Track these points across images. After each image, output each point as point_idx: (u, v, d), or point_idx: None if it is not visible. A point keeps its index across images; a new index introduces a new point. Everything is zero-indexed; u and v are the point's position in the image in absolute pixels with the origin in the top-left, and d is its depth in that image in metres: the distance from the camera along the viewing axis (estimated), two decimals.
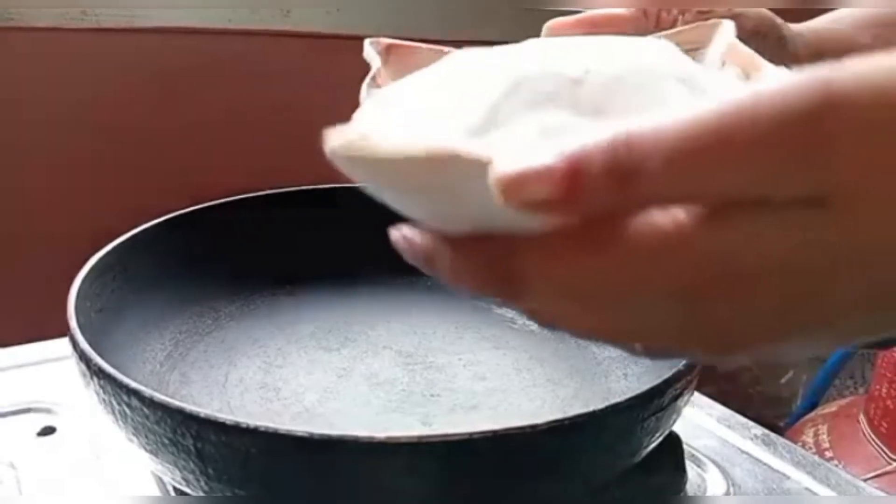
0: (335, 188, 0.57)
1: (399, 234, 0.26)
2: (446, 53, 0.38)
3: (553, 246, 0.23)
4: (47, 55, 0.80)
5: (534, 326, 0.55)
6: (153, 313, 0.50)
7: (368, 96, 0.34)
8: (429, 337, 0.54)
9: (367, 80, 0.37)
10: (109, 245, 0.48)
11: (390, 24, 0.95)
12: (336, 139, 0.24)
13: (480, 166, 0.22)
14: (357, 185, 0.30)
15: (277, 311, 0.54)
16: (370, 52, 0.38)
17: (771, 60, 0.36)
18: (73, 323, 0.40)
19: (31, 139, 0.81)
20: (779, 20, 0.44)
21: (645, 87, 0.27)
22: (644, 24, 0.41)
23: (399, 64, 0.39)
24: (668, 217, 0.22)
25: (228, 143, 0.90)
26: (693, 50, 0.36)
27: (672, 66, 0.28)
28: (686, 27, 0.38)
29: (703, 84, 0.28)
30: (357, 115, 0.30)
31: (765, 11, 0.43)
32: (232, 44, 0.87)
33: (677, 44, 0.34)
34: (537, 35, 0.40)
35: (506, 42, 0.37)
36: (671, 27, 0.41)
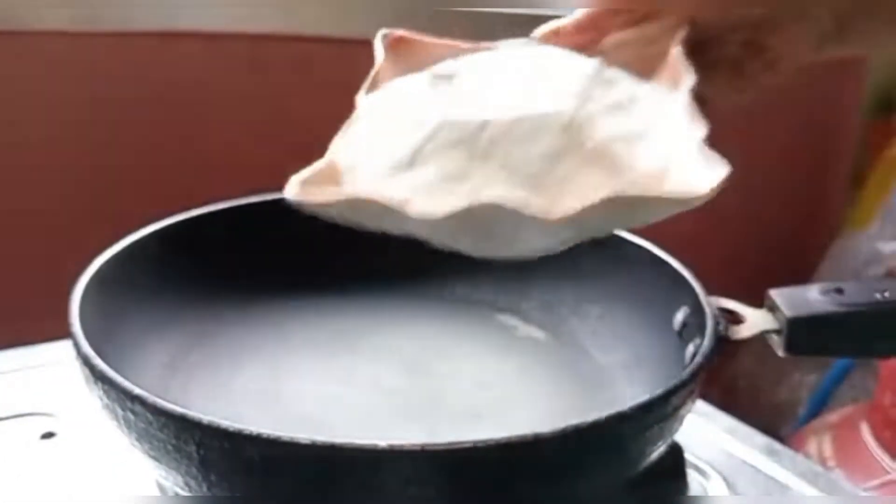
0: None
1: None
2: (455, 47, 0.41)
3: None
4: (55, 58, 0.80)
5: (538, 334, 0.55)
6: (155, 318, 0.50)
7: (360, 107, 0.37)
8: (432, 344, 0.54)
9: (367, 81, 0.39)
10: (112, 249, 0.48)
11: (393, 27, 0.95)
12: (296, 188, 0.32)
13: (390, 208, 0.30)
14: None
15: (280, 316, 0.54)
16: (378, 45, 0.40)
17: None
18: (76, 328, 0.40)
19: (37, 142, 0.81)
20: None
21: (530, 137, 0.32)
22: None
23: (409, 57, 0.41)
24: None
25: (233, 147, 0.90)
26: (648, 45, 0.38)
27: (566, 113, 0.32)
28: (645, 25, 0.39)
29: (587, 129, 0.32)
30: (331, 147, 0.35)
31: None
32: (238, 47, 0.87)
33: (637, 38, 0.38)
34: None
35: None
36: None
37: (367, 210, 0.30)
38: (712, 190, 0.27)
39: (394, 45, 0.41)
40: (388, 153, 0.32)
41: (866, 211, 1.26)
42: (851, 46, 0.39)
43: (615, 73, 0.37)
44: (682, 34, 0.38)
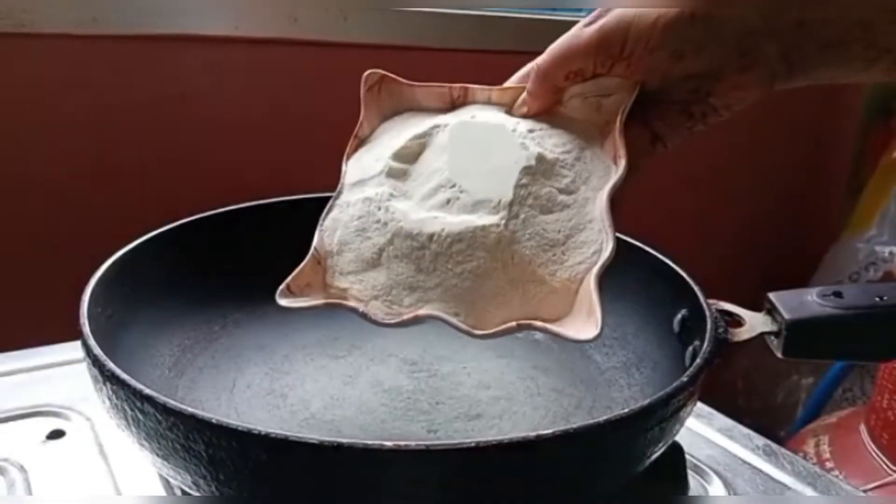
0: None
1: None
2: (433, 90, 0.45)
3: None
4: (57, 61, 0.80)
5: (538, 336, 0.56)
6: (162, 319, 0.51)
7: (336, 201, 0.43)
8: (434, 345, 0.54)
9: (351, 140, 0.45)
10: (120, 251, 0.49)
11: (396, 34, 0.96)
12: (283, 296, 0.40)
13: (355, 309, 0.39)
14: None
15: (284, 317, 0.54)
16: (362, 94, 0.45)
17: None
18: (85, 328, 0.41)
19: (40, 145, 0.82)
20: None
21: (464, 255, 0.38)
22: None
23: (392, 95, 0.46)
24: None
25: (236, 151, 0.91)
26: (605, 96, 0.42)
27: (497, 228, 0.38)
28: (601, 79, 0.42)
29: (514, 245, 0.38)
30: (319, 229, 0.43)
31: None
32: (239, 51, 0.88)
33: (596, 90, 0.42)
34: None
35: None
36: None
37: (340, 308, 0.40)
38: (593, 338, 0.35)
39: (377, 85, 0.46)
40: (357, 250, 0.41)
41: (865, 215, 1.27)
42: (800, 81, 0.39)
43: (556, 154, 0.41)
44: (629, 98, 0.41)
